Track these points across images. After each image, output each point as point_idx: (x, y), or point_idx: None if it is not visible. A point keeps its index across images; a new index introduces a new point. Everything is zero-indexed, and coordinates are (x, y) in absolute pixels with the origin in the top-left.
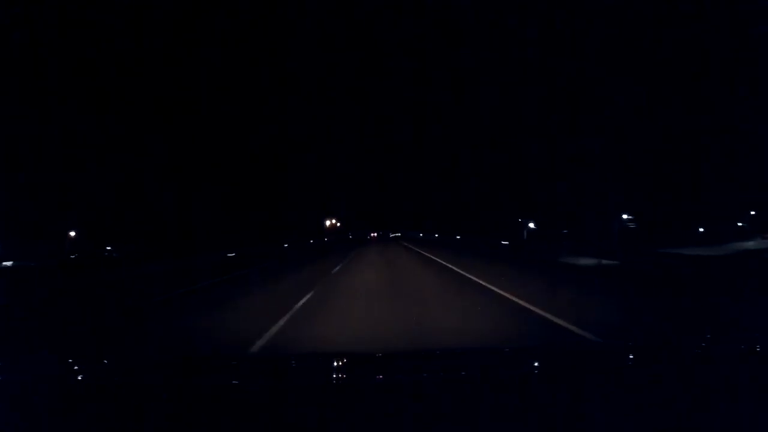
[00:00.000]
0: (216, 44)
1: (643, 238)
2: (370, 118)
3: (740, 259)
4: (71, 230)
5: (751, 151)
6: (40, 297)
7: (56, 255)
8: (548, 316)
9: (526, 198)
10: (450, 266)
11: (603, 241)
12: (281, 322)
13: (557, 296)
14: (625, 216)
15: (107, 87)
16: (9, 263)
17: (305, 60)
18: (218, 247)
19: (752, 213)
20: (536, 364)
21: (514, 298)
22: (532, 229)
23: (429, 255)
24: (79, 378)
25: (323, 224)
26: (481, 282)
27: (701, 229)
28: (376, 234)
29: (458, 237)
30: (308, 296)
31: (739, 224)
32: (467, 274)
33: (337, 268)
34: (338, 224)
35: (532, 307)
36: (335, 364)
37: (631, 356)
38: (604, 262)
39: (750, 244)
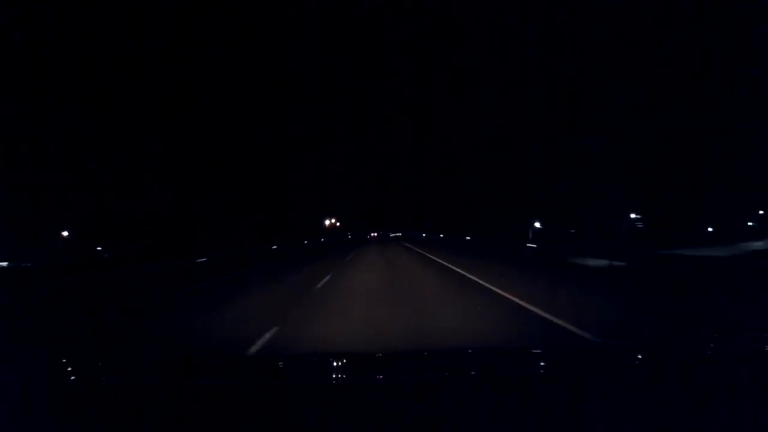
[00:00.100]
0: (216, 44)
1: (651, 239)
2: (370, 118)
3: (752, 260)
4: (64, 230)
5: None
6: (39, 297)
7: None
8: (572, 328)
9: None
10: (463, 272)
11: (610, 242)
12: (281, 322)
13: (576, 302)
14: (633, 215)
15: (107, 87)
16: (5, 263)
17: (305, 60)
18: (218, 247)
19: (761, 212)
20: (536, 364)
21: (546, 315)
22: (538, 228)
23: (436, 258)
24: (79, 378)
25: (323, 224)
26: (507, 295)
27: (710, 229)
28: (376, 234)
29: (468, 238)
30: (308, 296)
31: (750, 224)
32: (484, 283)
33: (337, 268)
34: (337, 224)
35: (560, 322)
36: (335, 364)
37: (630, 356)
38: (616, 263)
39: (759, 244)
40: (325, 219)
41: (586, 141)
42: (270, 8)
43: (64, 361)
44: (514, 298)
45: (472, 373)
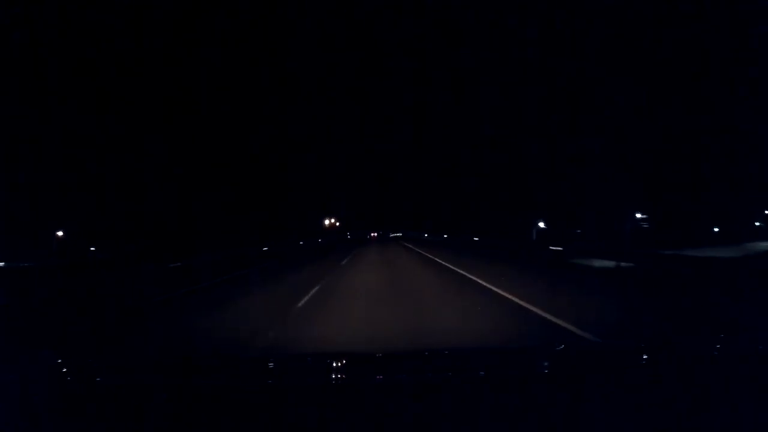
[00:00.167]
0: (216, 44)
1: (656, 239)
2: (370, 118)
3: (762, 261)
4: (59, 230)
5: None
6: (39, 297)
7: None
8: (594, 338)
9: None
10: (484, 284)
11: (615, 242)
12: (281, 322)
13: (596, 308)
14: (638, 215)
15: (107, 87)
16: (1, 264)
17: (305, 60)
18: (218, 247)
19: (767, 212)
20: (536, 364)
21: (565, 324)
22: (542, 228)
23: (439, 260)
24: (79, 378)
25: (323, 224)
26: (531, 307)
27: (716, 229)
28: (376, 234)
29: (476, 239)
30: (308, 297)
31: (757, 224)
32: (504, 292)
33: (337, 268)
34: (337, 224)
35: (584, 333)
36: (335, 364)
37: (630, 356)
38: (623, 264)
39: (767, 245)
40: (324, 219)
41: (586, 141)
42: (270, 8)
43: (63, 361)
44: (539, 311)
45: (472, 373)
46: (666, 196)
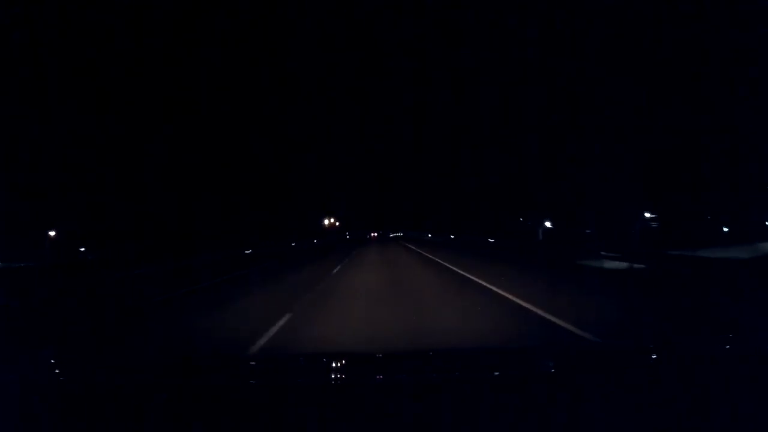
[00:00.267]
0: (216, 44)
1: (665, 239)
2: (370, 118)
3: None
4: (51, 231)
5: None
6: (39, 297)
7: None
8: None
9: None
10: (498, 290)
11: (624, 242)
12: (281, 322)
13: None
14: (647, 215)
15: (107, 87)
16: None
17: (305, 60)
18: (218, 247)
19: None
20: (536, 364)
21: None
22: (549, 228)
23: (443, 262)
24: (79, 378)
25: (322, 224)
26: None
27: (725, 229)
28: (376, 234)
29: (491, 240)
30: (308, 297)
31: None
32: (515, 298)
33: (338, 268)
34: (337, 224)
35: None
36: (335, 364)
37: (630, 356)
38: (636, 266)
39: None
40: (324, 219)
41: (586, 141)
42: (270, 8)
43: (63, 361)
44: (566, 325)
45: (472, 373)
46: (669, 196)
